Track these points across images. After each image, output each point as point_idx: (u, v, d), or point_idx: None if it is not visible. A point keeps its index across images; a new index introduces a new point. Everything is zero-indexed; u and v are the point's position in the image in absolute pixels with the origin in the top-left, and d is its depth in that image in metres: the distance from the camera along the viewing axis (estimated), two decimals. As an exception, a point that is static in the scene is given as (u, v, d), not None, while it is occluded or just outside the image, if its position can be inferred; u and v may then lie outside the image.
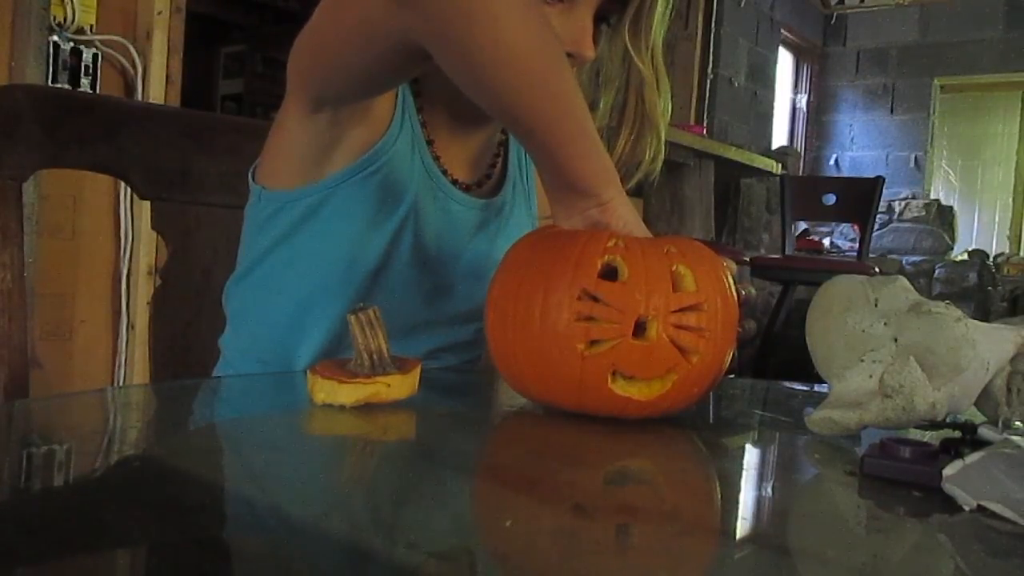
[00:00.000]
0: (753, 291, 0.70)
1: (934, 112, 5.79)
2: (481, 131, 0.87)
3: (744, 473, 0.57)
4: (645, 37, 0.78)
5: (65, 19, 2.11)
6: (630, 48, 0.78)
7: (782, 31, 5.55)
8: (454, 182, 0.84)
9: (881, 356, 0.55)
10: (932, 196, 5.76)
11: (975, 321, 0.55)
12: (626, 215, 0.65)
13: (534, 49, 0.61)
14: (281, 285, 0.82)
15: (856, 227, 4.32)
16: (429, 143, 0.83)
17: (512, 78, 0.61)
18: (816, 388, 0.80)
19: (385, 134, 0.78)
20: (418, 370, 0.64)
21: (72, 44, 2.13)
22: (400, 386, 0.62)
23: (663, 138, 0.82)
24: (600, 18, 0.77)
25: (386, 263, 0.80)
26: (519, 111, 0.62)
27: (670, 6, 0.80)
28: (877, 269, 3.56)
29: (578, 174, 0.63)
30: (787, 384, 0.88)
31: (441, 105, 0.83)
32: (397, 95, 0.80)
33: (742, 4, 4.98)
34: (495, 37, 0.59)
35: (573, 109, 0.62)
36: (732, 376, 0.74)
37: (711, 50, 4.72)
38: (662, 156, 0.82)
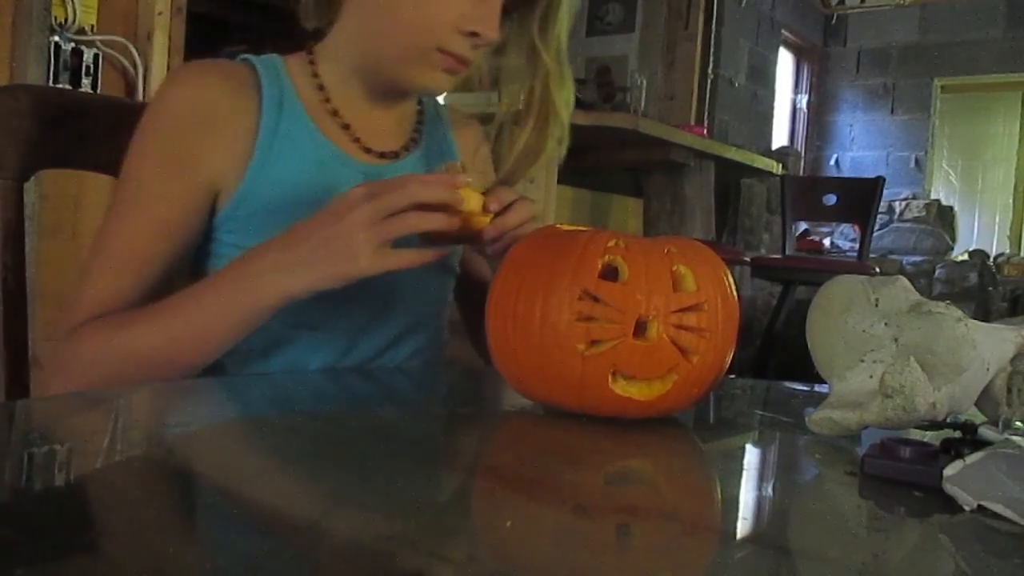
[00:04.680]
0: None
1: (934, 112, 5.79)
2: (391, 103, 0.89)
3: (744, 473, 0.57)
4: (552, 32, 0.82)
5: (66, 19, 2.11)
6: (537, 41, 0.82)
7: (782, 31, 5.55)
8: (367, 150, 0.86)
9: (881, 356, 0.55)
10: (932, 196, 5.76)
11: (975, 321, 0.55)
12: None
13: (137, 348, 0.72)
14: None
15: (856, 227, 4.32)
16: (345, 127, 0.86)
17: (177, 357, 0.73)
18: (816, 388, 0.80)
19: (246, 172, 0.80)
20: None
21: (73, 44, 2.13)
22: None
23: (566, 127, 0.86)
24: (505, 9, 0.80)
25: None
26: (203, 347, 0.73)
27: (575, 2, 0.84)
28: (877, 269, 3.56)
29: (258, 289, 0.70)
30: (787, 384, 0.88)
31: (347, 83, 0.86)
32: (261, 107, 0.81)
33: (742, 4, 4.98)
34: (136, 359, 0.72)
35: (188, 314, 0.72)
36: (732, 376, 0.74)
37: (711, 50, 4.72)
38: (566, 142, 0.87)
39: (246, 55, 0.85)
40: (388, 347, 0.87)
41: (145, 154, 0.79)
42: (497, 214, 0.72)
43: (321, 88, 0.85)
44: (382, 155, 0.87)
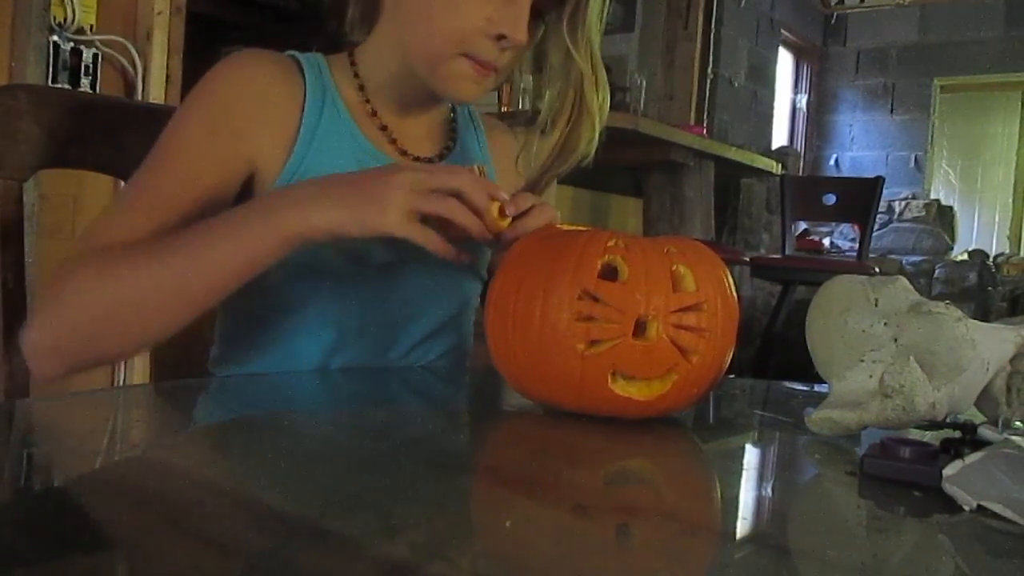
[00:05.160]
0: None
1: (934, 112, 5.79)
2: (426, 109, 0.90)
3: (744, 473, 0.57)
4: (582, 33, 0.82)
5: (65, 19, 2.11)
6: (568, 44, 0.82)
7: (782, 31, 5.55)
8: (403, 153, 0.87)
9: (881, 356, 0.55)
10: (932, 196, 5.76)
11: (975, 321, 0.55)
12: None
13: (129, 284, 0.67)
14: (265, 287, 0.80)
15: (856, 227, 4.32)
16: (382, 128, 0.86)
17: (167, 302, 0.68)
18: (816, 388, 0.80)
19: (287, 162, 0.80)
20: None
21: (72, 44, 2.13)
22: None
23: (598, 129, 0.87)
24: (538, 12, 0.81)
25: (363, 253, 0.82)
26: (202, 291, 0.68)
27: (607, 4, 0.84)
28: (877, 269, 3.56)
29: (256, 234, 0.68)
30: (787, 384, 0.88)
31: (384, 89, 0.87)
32: (305, 98, 0.81)
33: (742, 4, 4.98)
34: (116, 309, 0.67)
35: (192, 255, 0.68)
36: (732, 376, 0.74)
37: (711, 50, 4.72)
38: (595, 144, 0.88)
39: (292, 52, 0.86)
40: (416, 347, 0.87)
41: (189, 119, 0.78)
42: (515, 218, 0.72)
43: (361, 88, 0.86)
44: (417, 159, 0.88)
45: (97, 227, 0.74)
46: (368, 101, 0.86)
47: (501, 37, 0.78)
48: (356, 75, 0.86)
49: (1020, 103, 5.79)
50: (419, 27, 0.80)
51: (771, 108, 5.52)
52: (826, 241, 5.48)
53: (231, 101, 0.79)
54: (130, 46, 2.25)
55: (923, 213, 5.45)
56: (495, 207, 0.71)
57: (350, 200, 0.67)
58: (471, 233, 0.69)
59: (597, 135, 0.87)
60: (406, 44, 0.82)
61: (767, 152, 4.75)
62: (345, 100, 0.85)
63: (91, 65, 2.15)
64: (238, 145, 0.78)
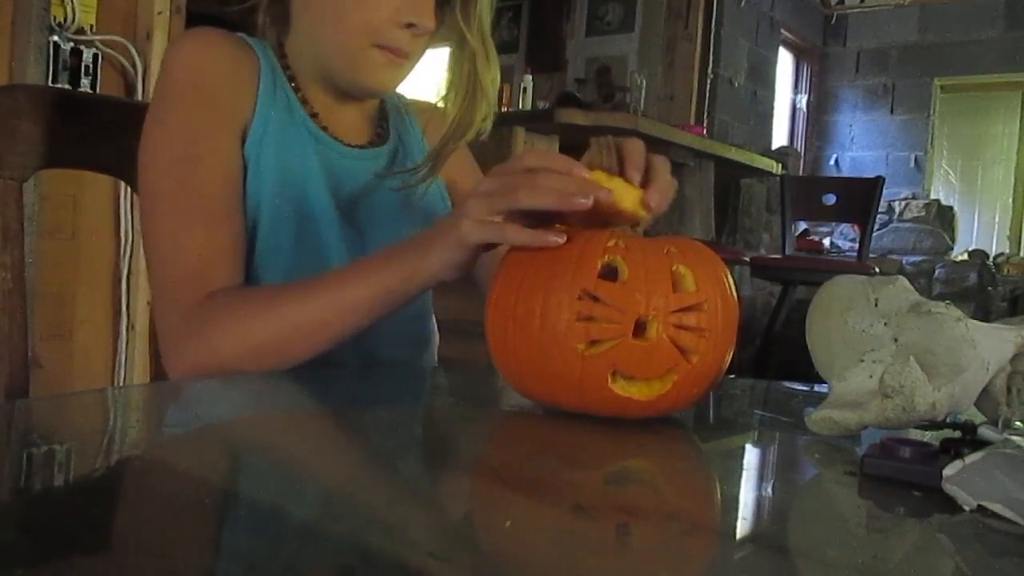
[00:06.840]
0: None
1: (934, 112, 5.79)
2: (354, 100, 0.92)
3: (744, 473, 0.57)
4: (474, 13, 0.86)
5: (65, 19, 2.11)
6: (461, 23, 0.86)
7: (782, 31, 5.56)
8: (335, 140, 0.89)
9: (881, 356, 0.55)
10: (932, 196, 5.76)
11: (975, 321, 0.55)
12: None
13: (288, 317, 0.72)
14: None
15: (856, 227, 4.32)
16: (313, 115, 0.89)
17: (317, 333, 0.72)
18: (816, 388, 0.80)
19: (253, 120, 0.83)
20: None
21: (72, 44, 2.13)
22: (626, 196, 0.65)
23: (492, 102, 0.90)
24: None
25: (316, 222, 0.84)
26: (343, 327, 0.73)
27: None
28: (877, 269, 3.56)
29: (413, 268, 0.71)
30: (787, 384, 0.88)
31: (311, 85, 0.89)
32: (259, 77, 0.85)
33: (742, 4, 4.99)
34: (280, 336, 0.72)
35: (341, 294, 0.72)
36: (732, 376, 0.74)
37: (711, 50, 4.73)
38: (491, 118, 0.91)
39: (238, 33, 0.89)
40: (382, 338, 0.87)
41: (186, 115, 0.80)
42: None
43: (292, 80, 0.89)
44: (349, 147, 0.91)
45: (183, 254, 0.76)
46: (298, 90, 0.89)
47: (411, 25, 0.81)
48: (287, 67, 0.89)
49: (1020, 103, 5.79)
50: (329, 24, 0.83)
51: (771, 108, 5.53)
52: (826, 241, 5.48)
53: (213, 84, 0.81)
54: (130, 46, 2.25)
55: (923, 213, 5.46)
56: (632, 196, 0.66)
57: (435, 244, 0.69)
58: (566, 209, 0.64)
59: (491, 109, 0.90)
60: (318, 42, 0.85)
61: (767, 152, 4.75)
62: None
63: (91, 65, 2.16)
64: (235, 122, 0.82)
